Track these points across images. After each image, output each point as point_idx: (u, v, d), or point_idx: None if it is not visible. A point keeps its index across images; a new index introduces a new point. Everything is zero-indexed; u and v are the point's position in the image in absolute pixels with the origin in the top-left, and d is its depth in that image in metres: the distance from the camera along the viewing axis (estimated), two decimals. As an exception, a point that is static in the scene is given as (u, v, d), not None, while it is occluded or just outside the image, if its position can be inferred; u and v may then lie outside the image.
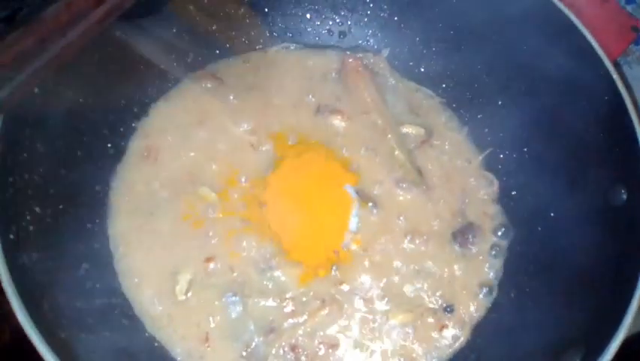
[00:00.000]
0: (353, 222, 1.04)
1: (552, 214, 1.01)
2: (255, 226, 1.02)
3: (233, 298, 0.96)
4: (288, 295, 0.97)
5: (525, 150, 1.09)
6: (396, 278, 1.01)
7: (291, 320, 0.96)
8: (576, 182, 0.95)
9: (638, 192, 0.86)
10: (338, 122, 1.13)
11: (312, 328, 0.96)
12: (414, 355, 0.96)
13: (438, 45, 1.19)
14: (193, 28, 1.14)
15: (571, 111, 0.97)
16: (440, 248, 1.04)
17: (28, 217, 0.83)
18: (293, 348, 0.94)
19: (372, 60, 1.19)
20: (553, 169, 1.00)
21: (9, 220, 0.79)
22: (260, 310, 0.96)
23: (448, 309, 0.99)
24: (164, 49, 1.11)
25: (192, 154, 1.08)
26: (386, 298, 0.99)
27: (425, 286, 1.01)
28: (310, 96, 1.16)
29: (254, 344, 0.94)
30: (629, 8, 1.33)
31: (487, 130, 1.15)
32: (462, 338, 0.98)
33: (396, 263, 1.01)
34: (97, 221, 1.00)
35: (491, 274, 1.04)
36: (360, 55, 1.19)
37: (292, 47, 1.22)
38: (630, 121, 0.88)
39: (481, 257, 1.05)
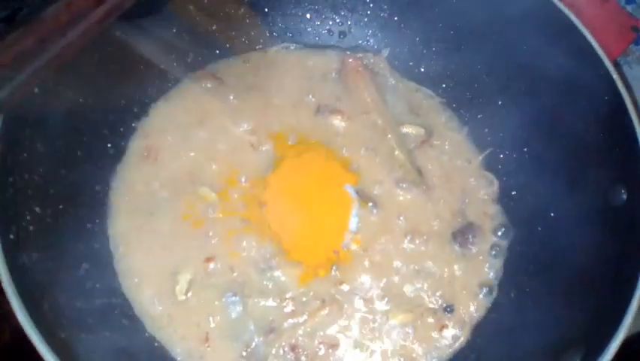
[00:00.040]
0: (353, 223, 1.04)
1: (552, 214, 1.01)
2: (255, 226, 1.02)
3: (233, 298, 0.96)
4: (288, 295, 0.97)
5: (525, 149, 1.09)
6: (396, 278, 1.01)
7: (291, 320, 0.96)
8: (576, 182, 0.95)
9: (638, 192, 0.86)
10: (338, 122, 1.13)
11: (312, 328, 0.96)
12: (414, 355, 0.96)
13: (438, 45, 1.19)
14: (193, 28, 1.14)
15: (571, 111, 0.97)
16: (440, 248, 1.04)
17: (28, 217, 0.83)
18: (293, 348, 0.94)
19: (372, 60, 1.19)
20: (553, 169, 1.00)
21: (9, 220, 0.79)
22: (260, 310, 0.96)
23: (448, 309, 0.99)
24: (164, 49, 1.11)
25: (192, 154, 1.08)
26: (386, 298, 0.99)
27: (425, 286, 1.01)
28: (310, 96, 1.16)
29: (254, 344, 0.94)
30: (629, 8, 1.33)
31: (487, 130, 1.15)
32: (462, 338, 0.98)
33: (396, 263, 1.02)
34: (97, 221, 1.00)
35: (491, 274, 1.04)
36: (360, 55, 1.19)
37: (292, 46, 1.22)
38: (630, 121, 0.88)
39: (481, 257, 1.05)
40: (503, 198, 1.10)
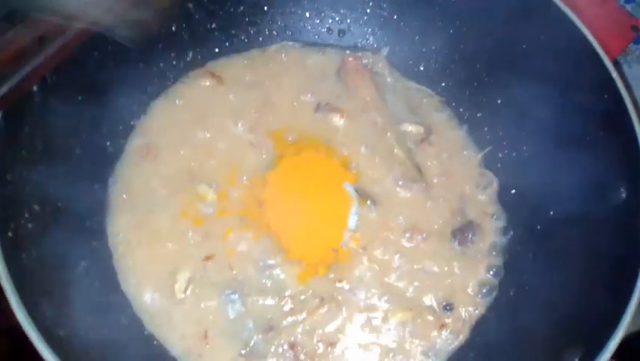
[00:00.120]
0: (352, 221, 1.04)
1: (551, 213, 1.01)
2: (254, 224, 1.02)
3: (233, 296, 0.96)
4: (287, 294, 0.97)
5: (524, 148, 1.09)
6: (395, 276, 1.01)
7: (290, 318, 0.96)
8: (576, 181, 0.95)
9: (637, 192, 0.86)
10: (337, 120, 1.13)
11: (311, 326, 0.96)
12: (413, 353, 0.96)
13: (437, 44, 1.19)
14: (192, 27, 1.13)
15: (570, 110, 0.97)
16: (440, 246, 1.04)
17: (26, 215, 0.83)
18: (292, 346, 0.94)
19: (371, 59, 1.19)
20: (553, 168, 1.00)
21: (8, 218, 0.79)
22: (259, 308, 0.96)
23: (448, 307, 0.99)
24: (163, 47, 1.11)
25: (191, 152, 1.08)
26: (385, 297, 0.99)
27: (424, 284, 1.01)
28: (309, 95, 1.16)
29: (253, 342, 0.94)
30: (628, 7, 1.33)
31: (486, 128, 1.15)
32: (461, 337, 0.98)
33: (396, 261, 1.01)
34: (96, 219, 1.00)
35: (490, 272, 1.03)
36: (360, 53, 1.19)
37: (292, 45, 1.22)
38: (630, 120, 0.88)
39: (480, 255, 1.05)
40: (503, 197, 1.10)
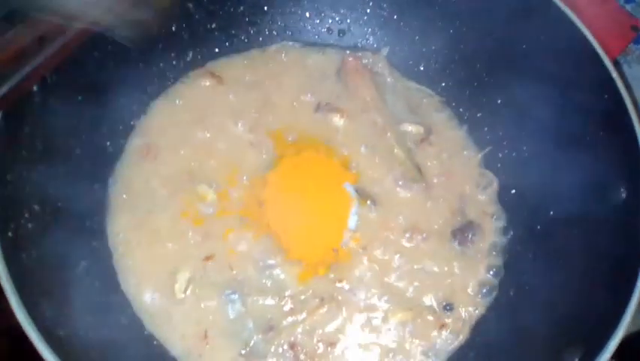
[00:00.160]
0: (352, 221, 1.04)
1: (551, 213, 1.01)
2: (254, 224, 1.02)
3: (233, 296, 0.96)
4: (287, 294, 0.97)
5: (524, 148, 1.09)
6: (395, 276, 1.01)
7: (290, 318, 0.96)
8: (576, 181, 0.95)
9: (638, 192, 0.86)
10: (337, 120, 1.13)
11: (311, 326, 0.96)
12: (413, 353, 0.96)
13: (437, 44, 1.19)
14: (192, 26, 1.13)
15: (570, 110, 0.97)
16: (440, 246, 1.04)
17: (26, 215, 0.83)
18: (292, 346, 0.94)
19: (371, 59, 1.19)
20: (553, 168, 1.00)
21: (7, 218, 0.79)
22: (259, 308, 0.96)
23: (448, 307, 0.99)
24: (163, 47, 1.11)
25: (191, 152, 1.08)
26: (385, 297, 0.99)
27: (424, 284, 1.01)
28: (309, 95, 1.16)
29: (253, 342, 0.94)
30: (628, 7, 1.33)
31: (486, 128, 1.15)
32: (461, 337, 0.98)
33: (396, 261, 1.01)
34: (96, 219, 1.00)
35: (490, 272, 1.03)
36: (360, 53, 1.19)
37: (291, 45, 1.22)
38: (630, 120, 0.88)
39: (480, 255, 1.05)
40: (503, 197, 1.10)
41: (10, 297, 0.72)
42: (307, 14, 1.23)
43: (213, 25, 1.17)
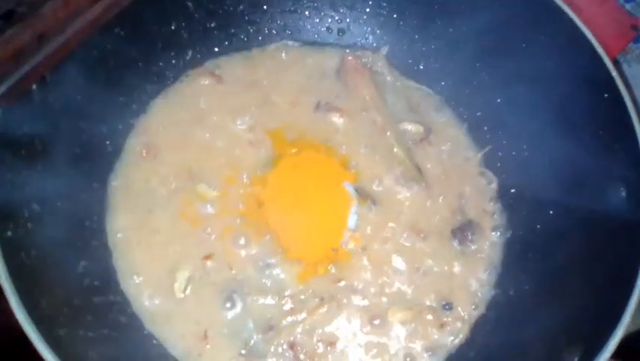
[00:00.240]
0: (352, 220, 1.04)
1: (551, 212, 1.01)
2: (253, 224, 1.02)
3: (232, 295, 0.96)
4: (286, 293, 0.97)
5: (524, 147, 1.09)
6: (395, 276, 1.01)
7: (289, 318, 0.96)
8: (575, 180, 0.95)
9: (638, 192, 0.86)
10: (337, 119, 1.13)
11: (311, 325, 0.96)
12: (413, 352, 0.96)
13: (437, 43, 1.19)
14: (192, 26, 1.13)
15: (570, 109, 0.97)
16: (439, 245, 1.04)
17: (26, 215, 0.83)
18: (292, 346, 0.94)
19: (371, 58, 1.19)
20: (553, 168, 1.00)
21: (7, 218, 0.79)
22: (259, 308, 0.96)
23: (447, 307, 0.99)
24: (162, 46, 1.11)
25: (191, 152, 1.07)
26: (385, 296, 0.99)
27: (424, 283, 1.01)
28: (309, 94, 1.16)
29: (253, 341, 0.94)
30: (628, 7, 1.33)
31: (486, 128, 1.15)
32: (461, 336, 0.98)
33: (396, 261, 1.01)
34: (95, 218, 0.99)
35: (490, 271, 1.03)
36: (359, 53, 1.19)
37: (291, 44, 1.22)
38: (629, 119, 0.88)
39: (480, 255, 1.05)
40: (502, 196, 1.10)
41: (10, 297, 0.72)
42: (307, 13, 1.23)
43: (213, 24, 1.16)
